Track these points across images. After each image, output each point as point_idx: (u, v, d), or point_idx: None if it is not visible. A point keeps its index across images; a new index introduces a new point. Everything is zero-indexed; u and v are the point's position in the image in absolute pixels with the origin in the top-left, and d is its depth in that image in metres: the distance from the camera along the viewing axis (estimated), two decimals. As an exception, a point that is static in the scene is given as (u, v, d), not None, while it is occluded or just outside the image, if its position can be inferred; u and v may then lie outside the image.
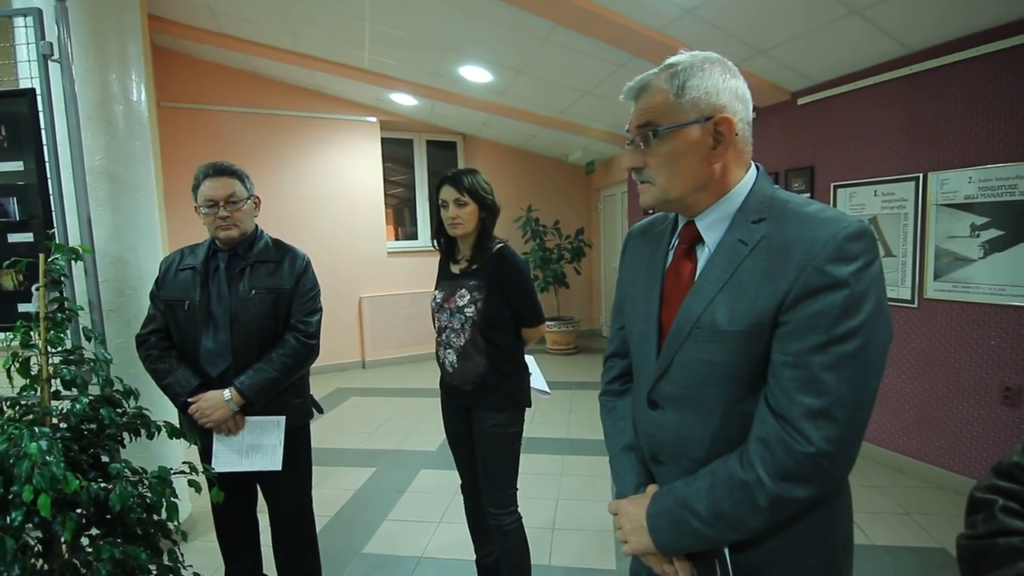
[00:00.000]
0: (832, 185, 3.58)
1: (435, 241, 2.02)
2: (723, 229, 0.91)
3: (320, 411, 2.04)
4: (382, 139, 6.38)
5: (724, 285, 0.87)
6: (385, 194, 6.48)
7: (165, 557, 1.54)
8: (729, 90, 0.89)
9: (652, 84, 0.91)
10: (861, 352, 0.79)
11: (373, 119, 6.23)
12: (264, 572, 2.09)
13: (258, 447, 1.80)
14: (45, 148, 1.89)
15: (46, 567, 1.40)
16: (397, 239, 6.91)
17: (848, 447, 0.80)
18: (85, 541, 1.44)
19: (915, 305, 3.16)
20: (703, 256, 0.93)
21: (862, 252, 0.79)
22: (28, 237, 1.92)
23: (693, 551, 0.92)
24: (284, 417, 1.82)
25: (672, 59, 0.91)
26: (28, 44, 1.90)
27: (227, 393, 1.73)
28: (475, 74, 4.55)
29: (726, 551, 0.89)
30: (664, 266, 1.01)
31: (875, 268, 0.81)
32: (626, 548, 0.97)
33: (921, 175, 3.07)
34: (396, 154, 6.81)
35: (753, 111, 0.93)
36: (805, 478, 0.80)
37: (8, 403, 1.50)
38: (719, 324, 0.86)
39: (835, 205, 3.52)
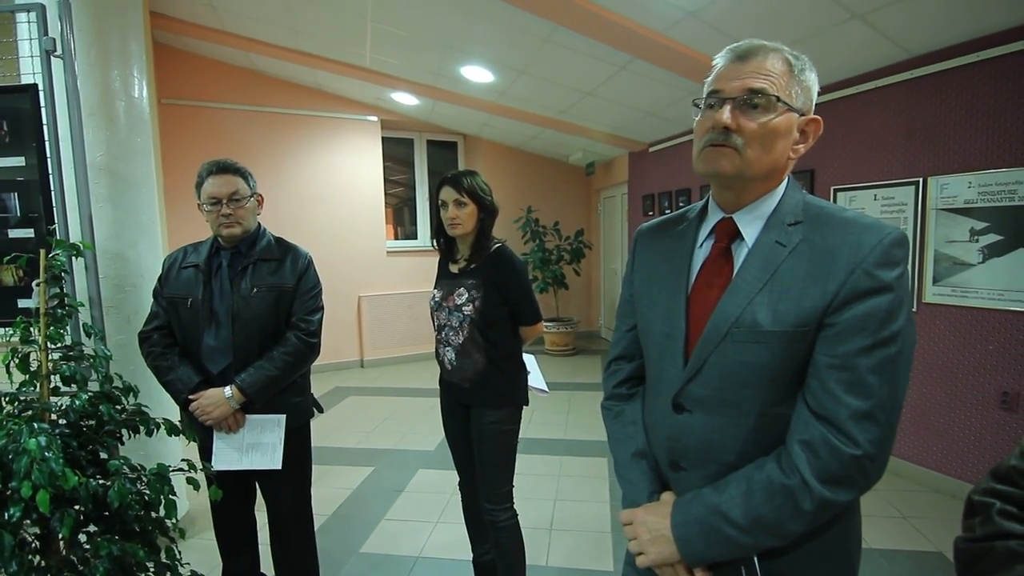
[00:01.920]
0: (832, 189, 3.59)
1: (435, 241, 2.05)
2: (759, 228, 0.91)
3: (320, 410, 2.04)
4: (383, 138, 6.38)
5: (764, 285, 0.86)
6: (385, 193, 6.48)
7: (163, 554, 1.53)
8: (815, 98, 0.91)
9: (773, 53, 0.87)
10: (899, 356, 0.80)
11: (374, 118, 6.23)
12: (262, 571, 2.09)
13: (258, 445, 1.80)
14: (47, 144, 1.89)
15: (43, 563, 1.40)
16: (397, 238, 6.91)
17: (887, 449, 0.82)
18: (83, 538, 1.44)
19: (914, 309, 3.15)
20: (740, 255, 0.92)
21: (902, 259, 0.82)
22: (29, 233, 1.91)
23: (723, 560, 0.88)
24: (284, 416, 1.83)
25: (779, 44, 0.89)
26: (31, 40, 1.90)
27: (228, 391, 1.73)
28: (476, 74, 4.55)
29: (755, 558, 0.87)
30: (689, 265, 0.98)
31: (908, 275, 0.83)
32: (643, 559, 0.93)
33: (921, 179, 3.07)
34: (396, 153, 6.81)
35: None
36: (850, 481, 0.81)
37: (7, 399, 1.50)
38: (761, 324, 0.85)
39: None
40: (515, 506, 1.98)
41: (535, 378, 2.10)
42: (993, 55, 2.72)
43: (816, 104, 0.92)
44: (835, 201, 3.56)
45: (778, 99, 0.85)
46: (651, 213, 5.84)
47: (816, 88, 0.91)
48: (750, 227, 0.91)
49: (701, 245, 0.98)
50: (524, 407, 1.99)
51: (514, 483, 1.99)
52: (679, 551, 0.89)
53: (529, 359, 2.09)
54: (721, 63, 0.91)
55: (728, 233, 0.94)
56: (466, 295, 1.88)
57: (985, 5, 2.53)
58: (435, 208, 1.96)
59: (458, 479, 2.13)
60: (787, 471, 0.82)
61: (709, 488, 0.89)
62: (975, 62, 2.80)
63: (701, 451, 0.93)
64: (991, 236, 2.78)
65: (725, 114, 0.85)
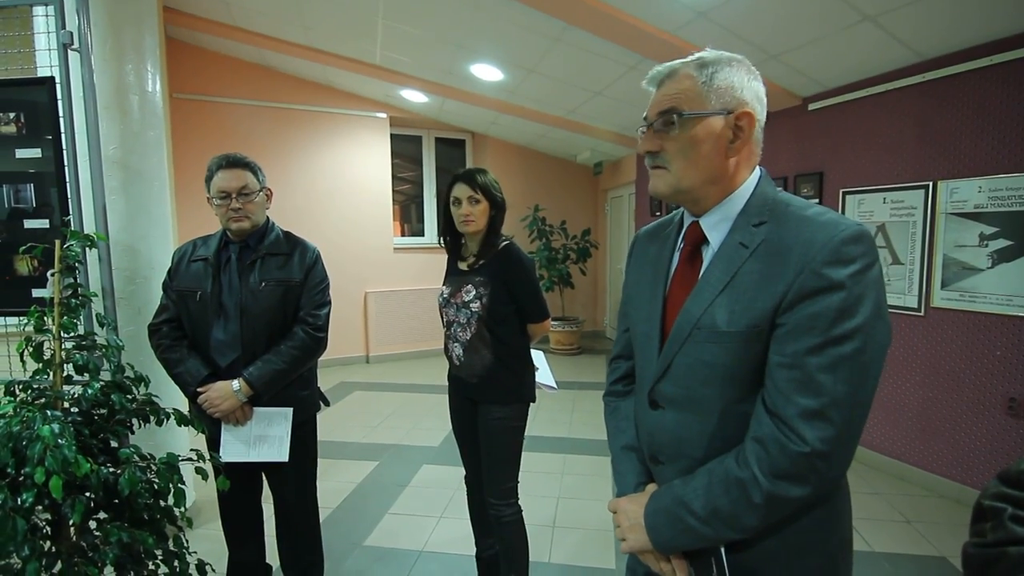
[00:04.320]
0: (841, 191, 3.57)
1: (442, 239, 2.06)
2: (726, 230, 0.93)
3: (327, 403, 2.06)
4: (391, 135, 6.40)
5: (724, 287, 0.88)
6: (393, 190, 6.49)
7: (171, 543, 1.56)
8: (751, 90, 0.92)
9: (680, 71, 0.93)
10: (858, 354, 0.79)
11: (383, 115, 6.25)
12: (267, 561, 2.11)
13: (265, 438, 1.82)
14: (63, 136, 1.91)
15: (54, 549, 1.42)
16: (403, 235, 6.93)
17: (843, 447, 0.81)
18: (93, 524, 1.46)
19: (922, 313, 3.15)
20: (707, 257, 0.94)
21: (860, 255, 0.80)
22: (44, 223, 1.94)
23: (690, 549, 0.93)
24: (291, 409, 1.84)
25: (700, 53, 0.93)
26: (48, 33, 1.92)
27: (236, 384, 1.75)
28: (486, 72, 4.56)
29: (722, 550, 0.90)
30: (669, 268, 1.02)
31: (874, 271, 0.82)
32: (624, 546, 0.98)
33: (931, 183, 3.06)
34: (404, 150, 6.82)
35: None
36: (800, 477, 0.81)
37: (21, 386, 1.53)
38: (718, 325, 0.87)
39: (844, 212, 3.52)
40: (519, 502, 1.99)
41: (544, 375, 2.11)
42: (1005, 59, 2.70)
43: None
44: (844, 204, 3.55)
45: (682, 115, 0.89)
46: (658, 213, 5.83)
47: (745, 81, 0.91)
48: (715, 230, 0.94)
49: (679, 248, 1.02)
50: (531, 404, 2.00)
51: (519, 479, 2.00)
52: (649, 539, 0.94)
53: (538, 356, 2.10)
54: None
55: (695, 237, 0.97)
56: (474, 292, 1.89)
57: (997, 9, 2.52)
58: (444, 205, 1.97)
59: (464, 473, 2.15)
60: (741, 465, 0.85)
61: (679, 480, 0.93)
62: (987, 66, 2.78)
63: (673, 446, 0.97)
64: (1000, 241, 2.76)
65: (641, 143, 0.96)
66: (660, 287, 1.01)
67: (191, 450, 1.60)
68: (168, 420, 1.59)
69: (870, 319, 0.80)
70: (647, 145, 0.95)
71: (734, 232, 0.91)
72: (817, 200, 3.66)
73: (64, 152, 1.92)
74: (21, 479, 1.32)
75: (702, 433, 0.92)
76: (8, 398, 1.47)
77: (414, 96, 5.65)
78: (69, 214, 1.94)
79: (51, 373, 1.54)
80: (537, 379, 2.05)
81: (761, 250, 0.87)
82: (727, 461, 0.87)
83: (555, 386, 2.16)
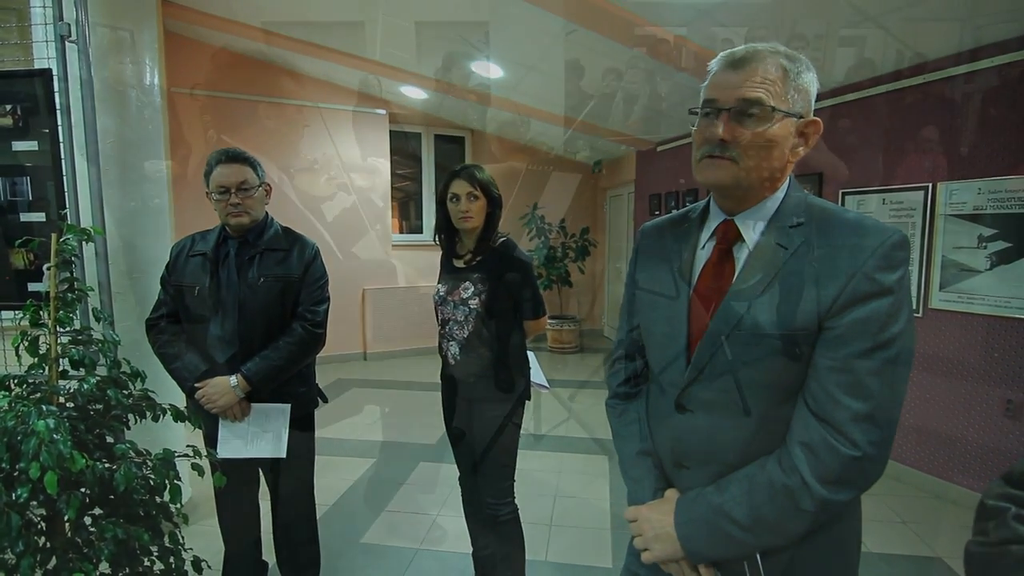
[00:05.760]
0: (840, 192, 3.57)
1: (436, 236, 2.02)
2: (760, 230, 0.91)
3: (325, 400, 2.05)
4: (390, 132, 6.38)
5: (765, 288, 0.86)
6: (392, 187, 6.48)
7: (166, 539, 1.55)
8: (814, 98, 0.90)
9: (769, 59, 0.85)
10: (899, 358, 0.80)
11: (382, 111, 6.23)
12: (263, 558, 2.10)
13: (262, 434, 1.81)
14: (60, 129, 1.90)
15: (49, 544, 1.41)
16: (402, 232, 6.91)
17: (886, 450, 0.82)
18: (88, 520, 1.45)
19: (919, 315, 3.15)
20: (741, 257, 0.92)
21: (903, 261, 0.82)
22: (40, 217, 1.93)
23: (728, 558, 0.90)
24: (289, 405, 1.83)
25: (777, 45, 0.88)
26: (46, 24, 1.91)
27: (233, 379, 1.74)
28: (486, 69, 4.55)
29: (757, 555, 0.88)
30: (691, 266, 0.98)
31: (908, 277, 0.83)
32: (647, 556, 0.95)
33: (930, 185, 3.06)
34: (403, 147, 6.80)
35: None
36: (849, 481, 0.81)
37: (16, 381, 1.52)
38: (762, 327, 0.85)
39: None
40: (516, 500, 1.99)
41: (535, 374, 2.10)
42: (1005, 61, 2.70)
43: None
44: (843, 204, 3.55)
45: (774, 108, 0.84)
46: (657, 213, 5.82)
47: (815, 88, 0.89)
48: (751, 230, 0.91)
49: (703, 246, 0.98)
50: (526, 402, 1.99)
51: (515, 478, 1.99)
52: (683, 549, 0.91)
53: (529, 356, 2.09)
54: (716, 69, 0.90)
55: (729, 236, 0.94)
56: (472, 289, 1.88)
57: (998, 11, 2.52)
58: (439, 203, 1.94)
59: (458, 474, 2.14)
60: (787, 471, 0.83)
61: (712, 487, 0.90)
62: (987, 68, 2.78)
63: (704, 451, 0.93)
64: (999, 243, 2.76)
65: (720, 128, 0.85)
66: (683, 287, 0.96)
67: (187, 446, 1.59)
68: (164, 416, 1.58)
69: (907, 324, 0.81)
70: (725, 132, 0.85)
71: (769, 232, 0.89)
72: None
73: (61, 145, 1.91)
74: (16, 474, 1.31)
75: (737, 437, 0.90)
76: (3, 393, 1.46)
77: (414, 93, 5.64)
78: (66, 208, 1.93)
79: (46, 368, 1.53)
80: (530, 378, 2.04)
81: (803, 251, 0.85)
82: (768, 467, 0.85)
83: (547, 385, 2.16)
